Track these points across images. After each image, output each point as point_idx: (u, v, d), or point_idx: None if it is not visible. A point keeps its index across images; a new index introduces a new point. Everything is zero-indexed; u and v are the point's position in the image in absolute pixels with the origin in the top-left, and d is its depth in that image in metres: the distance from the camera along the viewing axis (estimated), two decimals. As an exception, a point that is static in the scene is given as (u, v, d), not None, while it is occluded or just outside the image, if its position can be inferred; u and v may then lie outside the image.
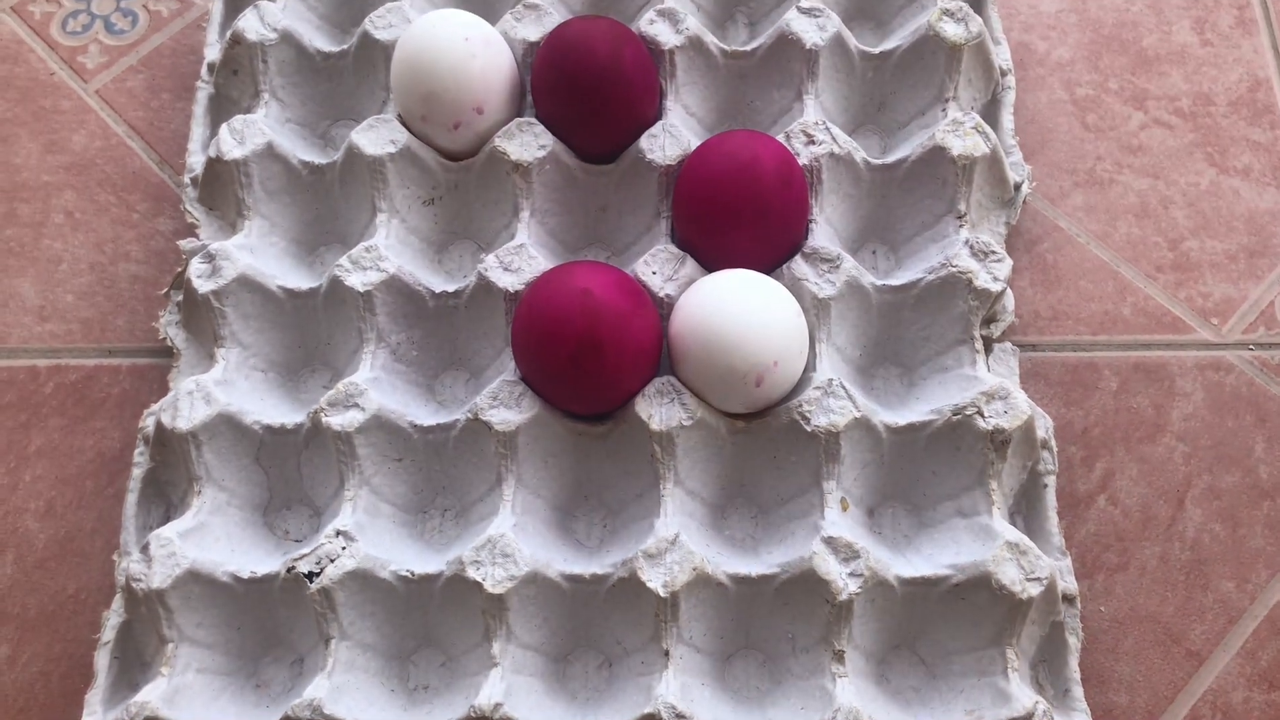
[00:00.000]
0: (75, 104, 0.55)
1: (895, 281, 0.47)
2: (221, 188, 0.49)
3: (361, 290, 0.45)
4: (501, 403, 0.43)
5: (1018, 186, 0.50)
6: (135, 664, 0.43)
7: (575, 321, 0.41)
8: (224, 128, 0.48)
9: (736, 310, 0.42)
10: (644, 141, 0.48)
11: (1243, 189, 0.53)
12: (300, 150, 0.50)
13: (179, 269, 0.49)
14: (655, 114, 0.49)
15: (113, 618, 0.43)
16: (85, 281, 0.51)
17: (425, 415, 0.45)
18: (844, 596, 0.40)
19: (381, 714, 0.41)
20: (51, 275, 0.52)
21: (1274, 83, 0.55)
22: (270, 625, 0.43)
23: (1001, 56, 0.53)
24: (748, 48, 0.51)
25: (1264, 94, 0.55)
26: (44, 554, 0.46)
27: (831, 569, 0.40)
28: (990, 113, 0.52)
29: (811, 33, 0.49)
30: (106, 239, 0.52)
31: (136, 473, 0.45)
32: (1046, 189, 0.53)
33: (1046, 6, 0.57)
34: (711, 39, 0.50)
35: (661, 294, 0.45)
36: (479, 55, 0.47)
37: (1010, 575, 0.40)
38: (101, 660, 0.42)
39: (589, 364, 0.41)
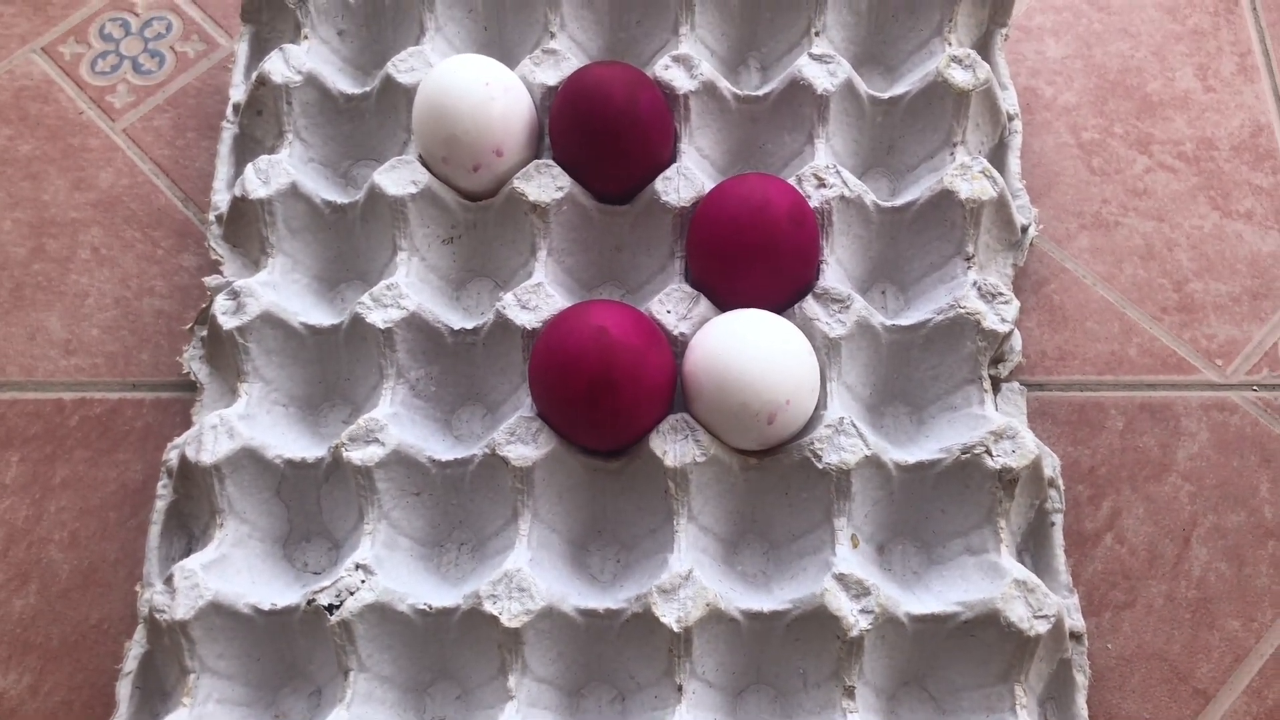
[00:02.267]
0: (103, 142, 0.57)
1: (904, 322, 0.48)
2: (246, 226, 0.50)
3: (382, 327, 0.46)
4: (518, 438, 0.44)
5: (1025, 229, 0.51)
6: (156, 694, 0.43)
7: (591, 359, 0.42)
8: (249, 168, 0.50)
9: (749, 349, 0.43)
10: (659, 183, 0.49)
11: (1246, 232, 0.54)
12: (322, 190, 0.51)
13: (203, 305, 0.50)
14: (670, 156, 0.50)
15: (135, 648, 0.44)
16: (110, 316, 0.52)
17: (443, 450, 0.46)
18: (855, 633, 0.41)
19: (398, 745, 0.42)
20: (78, 310, 0.53)
21: (1275, 128, 0.56)
22: (289, 656, 0.44)
23: (1008, 101, 0.54)
24: (760, 92, 0.52)
25: (1266, 139, 0.56)
26: (67, 584, 0.47)
27: (843, 606, 0.41)
28: (997, 156, 0.53)
29: (822, 78, 0.50)
30: (132, 274, 0.53)
31: (160, 505, 0.46)
32: (1053, 231, 0.54)
33: (1053, 53, 0.58)
34: (725, 84, 0.51)
35: (675, 332, 0.46)
36: (499, 99, 0.48)
37: (1019, 613, 0.41)
38: (123, 690, 0.43)
39: (604, 401, 0.42)
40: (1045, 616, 0.41)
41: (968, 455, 0.44)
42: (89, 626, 0.47)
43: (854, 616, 0.41)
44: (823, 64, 0.51)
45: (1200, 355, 0.51)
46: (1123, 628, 0.46)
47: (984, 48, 0.55)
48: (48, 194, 0.55)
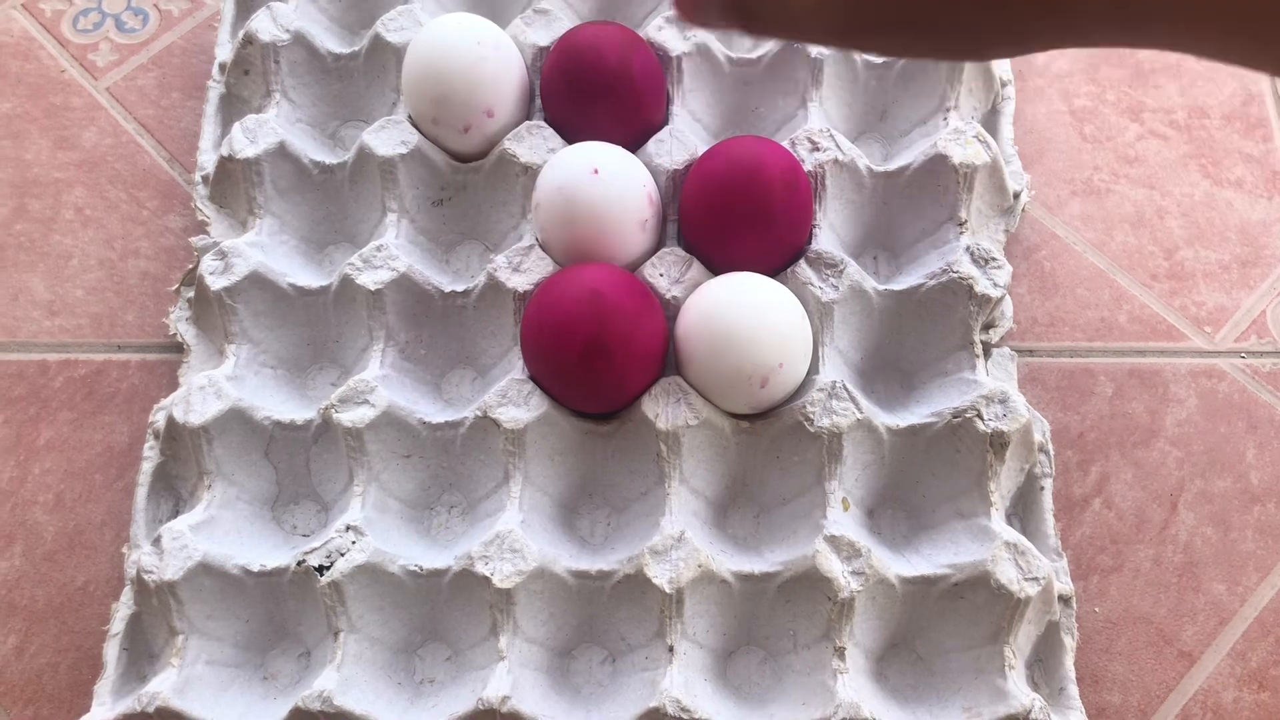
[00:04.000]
0: (86, 101, 0.56)
1: (897, 286, 0.48)
2: (233, 186, 0.50)
3: (372, 289, 0.46)
4: (510, 401, 0.44)
5: (1017, 195, 0.51)
6: (144, 656, 0.43)
7: (585, 322, 0.42)
8: (237, 127, 0.49)
9: (742, 312, 0.43)
10: (651, 145, 0.48)
11: (1236, 200, 0.54)
12: (310, 150, 0.50)
13: (190, 265, 0.50)
14: (662, 119, 0.50)
15: (122, 609, 0.43)
16: (95, 277, 0.52)
17: (433, 413, 0.46)
18: (846, 594, 0.41)
19: (389, 706, 0.41)
20: (61, 271, 0.52)
21: (1266, 97, 0.56)
22: (279, 618, 0.43)
23: (1001, 67, 0.54)
24: (753, 55, 0.52)
25: (1257, 108, 0.56)
26: (53, 546, 0.47)
27: (834, 567, 0.41)
28: (990, 123, 0.53)
29: (816, 41, 0.50)
30: (116, 235, 0.53)
31: (146, 466, 0.46)
32: (1045, 198, 0.54)
33: (1045, 19, 0.58)
34: (719, 46, 0.51)
35: (668, 296, 0.46)
36: (490, 59, 0.48)
37: (1009, 575, 0.41)
38: (110, 651, 0.43)
39: (597, 363, 0.42)
40: (1035, 579, 0.41)
41: (959, 419, 0.44)
42: (75, 589, 0.46)
43: (845, 578, 0.41)
44: (816, 27, 0.50)
45: (1189, 322, 0.52)
46: (1110, 591, 0.47)
47: (977, 13, 0.54)
48: (30, 153, 0.54)
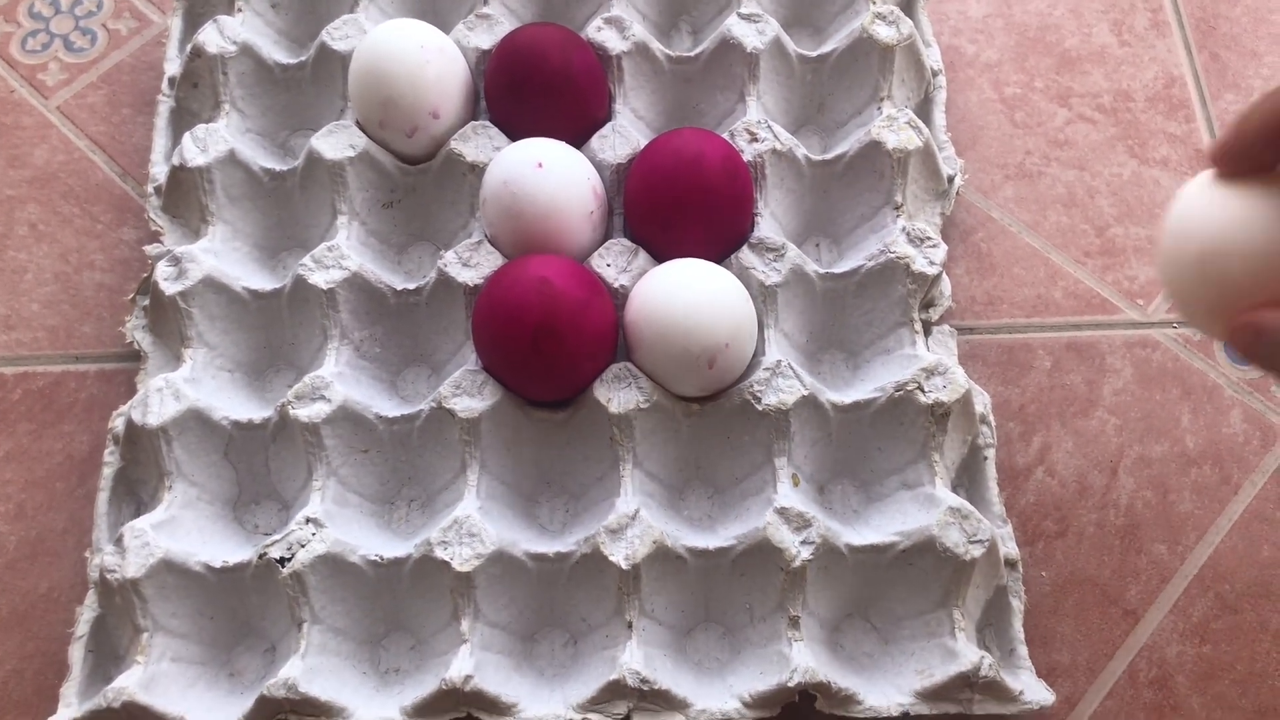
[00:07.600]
0: (36, 120, 0.56)
1: (838, 270, 0.49)
2: (185, 195, 0.50)
3: (325, 288, 0.47)
4: (464, 391, 0.45)
5: (951, 179, 0.53)
6: (109, 657, 0.44)
7: (534, 309, 0.43)
8: (187, 136, 0.50)
9: (688, 295, 0.44)
10: (595, 141, 0.50)
11: (1162, 178, 0.56)
12: (261, 158, 0.51)
13: (145, 275, 0.50)
14: (605, 116, 0.51)
15: (86, 612, 0.44)
16: (50, 290, 0.52)
17: (390, 409, 0.47)
18: (797, 563, 0.42)
19: (354, 695, 0.42)
20: (16, 285, 0.52)
21: (1187, 79, 0.59)
22: (242, 614, 0.44)
23: (932, 58, 0.56)
24: (691, 53, 0.53)
25: (1179, 90, 0.58)
26: (15, 555, 0.47)
27: (785, 537, 0.42)
28: (923, 111, 0.55)
29: (751, 37, 0.51)
30: (71, 249, 0.53)
31: (107, 472, 0.46)
32: (979, 182, 0.56)
33: (974, 11, 0.60)
34: (657, 45, 0.53)
35: (616, 285, 0.47)
36: (434, 62, 0.49)
37: (954, 538, 0.42)
38: (76, 654, 0.43)
39: (549, 348, 0.43)
40: (980, 541, 0.43)
41: (901, 392, 0.45)
42: (38, 596, 0.46)
43: (796, 548, 0.42)
44: (751, 23, 0.52)
45: (1122, 296, 0.53)
46: (1055, 555, 0.48)
47: (907, 7, 0.56)
48: (-19, 172, 0.55)
